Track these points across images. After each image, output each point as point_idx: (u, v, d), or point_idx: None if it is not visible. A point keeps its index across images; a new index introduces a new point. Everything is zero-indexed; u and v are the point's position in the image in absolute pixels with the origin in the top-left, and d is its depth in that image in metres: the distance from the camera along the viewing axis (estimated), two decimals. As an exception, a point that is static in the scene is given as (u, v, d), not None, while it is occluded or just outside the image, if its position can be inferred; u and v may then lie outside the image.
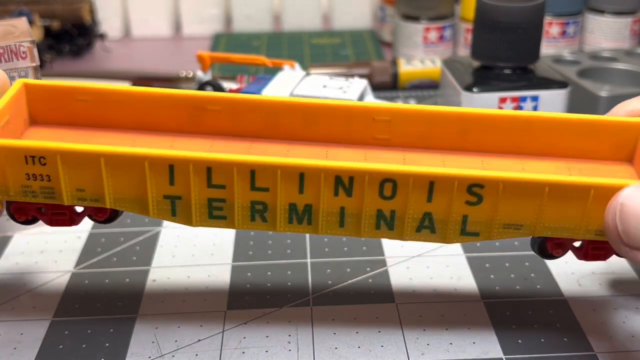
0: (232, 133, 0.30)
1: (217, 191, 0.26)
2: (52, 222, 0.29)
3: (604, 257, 0.28)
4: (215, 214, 0.27)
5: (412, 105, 0.29)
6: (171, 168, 0.26)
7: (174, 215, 0.27)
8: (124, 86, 0.29)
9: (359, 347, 0.31)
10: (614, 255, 0.27)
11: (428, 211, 0.26)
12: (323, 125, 0.29)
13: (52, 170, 0.26)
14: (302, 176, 0.26)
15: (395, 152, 0.30)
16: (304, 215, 0.27)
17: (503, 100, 0.46)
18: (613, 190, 0.25)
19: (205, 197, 0.27)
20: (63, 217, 0.29)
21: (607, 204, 0.25)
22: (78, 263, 0.38)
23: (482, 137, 0.29)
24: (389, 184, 0.26)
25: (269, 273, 0.37)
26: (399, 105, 0.30)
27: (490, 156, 0.30)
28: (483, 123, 0.29)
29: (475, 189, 0.26)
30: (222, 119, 0.29)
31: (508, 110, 0.29)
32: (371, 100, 0.48)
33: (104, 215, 0.29)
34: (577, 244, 0.28)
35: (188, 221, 0.28)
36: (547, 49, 0.65)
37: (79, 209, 0.29)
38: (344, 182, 0.26)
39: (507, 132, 0.29)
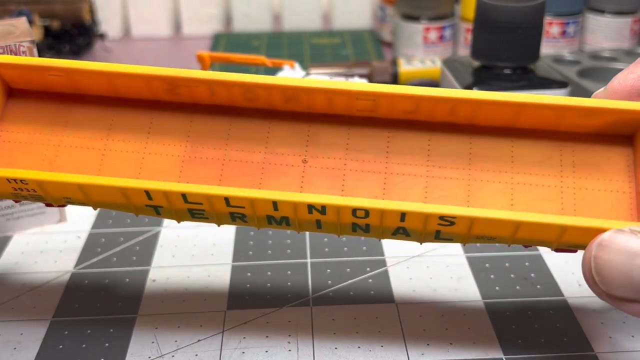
0: (211, 103, 0.29)
1: (195, 205, 0.27)
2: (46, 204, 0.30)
3: (574, 250, 0.27)
4: (197, 216, 0.28)
5: (397, 87, 0.28)
6: (147, 192, 0.26)
7: (158, 214, 0.28)
8: (94, 64, 0.28)
9: (359, 347, 0.31)
10: None
11: (402, 226, 0.27)
12: (304, 100, 0.28)
13: (35, 187, 0.27)
14: (275, 204, 0.26)
15: (380, 131, 0.29)
16: (282, 222, 0.27)
17: (503, 100, 0.46)
18: (591, 231, 0.24)
19: (185, 208, 0.27)
20: None
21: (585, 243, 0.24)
22: (78, 263, 0.38)
23: (472, 114, 0.28)
24: (361, 211, 0.26)
25: (269, 273, 0.37)
26: (382, 86, 0.28)
27: (479, 136, 0.28)
28: (473, 104, 0.28)
29: (447, 217, 0.25)
30: (200, 92, 0.29)
31: (498, 95, 0.27)
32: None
33: None
34: None
35: (174, 219, 0.28)
36: (547, 48, 0.65)
37: None
38: (317, 208, 0.26)
39: (498, 113, 0.28)
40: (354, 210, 0.26)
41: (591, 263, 0.24)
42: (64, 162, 0.28)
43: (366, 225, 0.27)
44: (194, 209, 0.27)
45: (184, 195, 0.26)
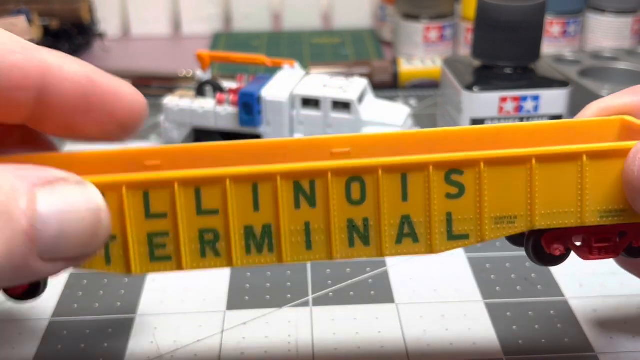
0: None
1: (158, 222, 0.22)
2: None
3: (612, 251, 0.25)
4: (158, 254, 0.23)
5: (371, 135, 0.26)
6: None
7: (108, 264, 0.23)
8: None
9: (358, 347, 0.31)
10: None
11: (406, 214, 0.23)
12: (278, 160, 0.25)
13: None
14: (255, 188, 0.22)
15: None
16: (264, 240, 0.23)
17: (504, 99, 0.46)
18: (607, 154, 0.23)
19: (145, 232, 0.22)
20: None
21: (624, 163, 0.23)
22: (77, 263, 0.37)
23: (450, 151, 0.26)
24: (356, 184, 0.23)
25: (269, 273, 0.36)
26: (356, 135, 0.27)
27: None
28: (450, 139, 0.27)
29: (454, 176, 0.23)
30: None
31: (474, 127, 0.27)
32: (371, 99, 0.48)
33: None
34: (578, 243, 0.26)
35: (126, 267, 0.23)
36: (548, 48, 0.65)
37: None
38: (304, 188, 0.23)
39: (476, 145, 0.26)
40: (348, 186, 0.23)
41: None
42: None
43: (364, 224, 0.23)
44: (155, 234, 0.22)
45: (146, 197, 0.22)
